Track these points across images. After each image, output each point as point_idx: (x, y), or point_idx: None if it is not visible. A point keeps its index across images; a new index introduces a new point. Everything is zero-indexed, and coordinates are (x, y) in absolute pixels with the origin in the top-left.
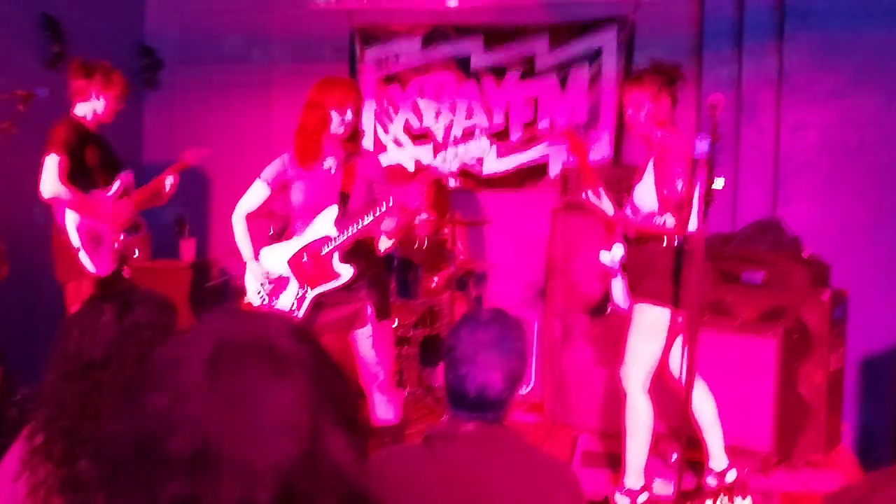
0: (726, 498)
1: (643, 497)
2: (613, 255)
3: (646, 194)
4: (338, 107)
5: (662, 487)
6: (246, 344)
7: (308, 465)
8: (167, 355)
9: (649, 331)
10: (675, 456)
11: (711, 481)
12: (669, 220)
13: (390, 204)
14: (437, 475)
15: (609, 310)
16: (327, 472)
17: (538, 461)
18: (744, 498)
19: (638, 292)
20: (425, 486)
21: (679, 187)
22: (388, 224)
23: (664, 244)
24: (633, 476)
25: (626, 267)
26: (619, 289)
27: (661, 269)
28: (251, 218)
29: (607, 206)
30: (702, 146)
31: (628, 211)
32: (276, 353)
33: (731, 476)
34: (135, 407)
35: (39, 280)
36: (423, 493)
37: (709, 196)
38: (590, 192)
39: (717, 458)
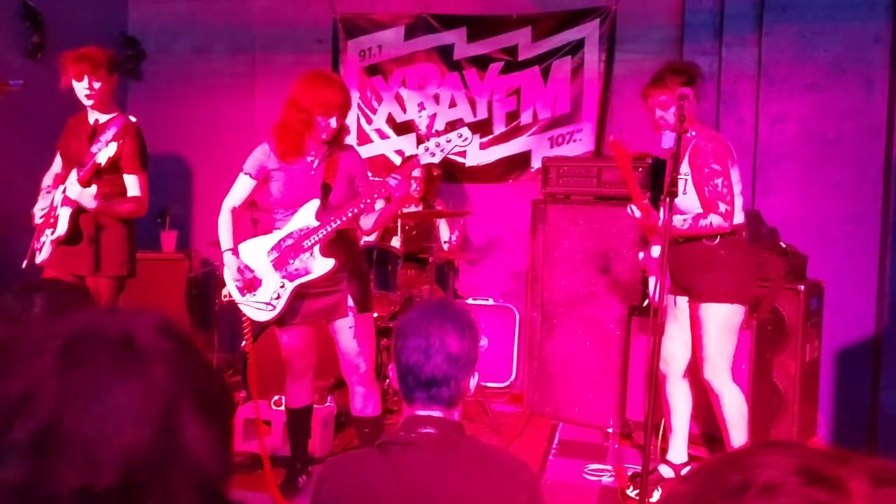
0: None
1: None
2: (653, 254)
3: (688, 197)
4: (324, 114)
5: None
6: (100, 337)
7: (159, 454)
8: (26, 345)
9: (727, 328)
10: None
11: (666, 471)
12: (715, 220)
13: (375, 198)
14: (393, 482)
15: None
16: (182, 462)
17: (496, 464)
18: None
19: (703, 293)
20: (380, 492)
21: (719, 184)
22: (368, 221)
23: (716, 240)
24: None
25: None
26: (652, 285)
27: (719, 265)
28: (237, 212)
29: (653, 218)
30: (668, 139)
31: (661, 213)
32: (132, 346)
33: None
34: None
35: (7, 264)
36: (378, 499)
37: (673, 187)
38: (634, 207)
39: (680, 451)
